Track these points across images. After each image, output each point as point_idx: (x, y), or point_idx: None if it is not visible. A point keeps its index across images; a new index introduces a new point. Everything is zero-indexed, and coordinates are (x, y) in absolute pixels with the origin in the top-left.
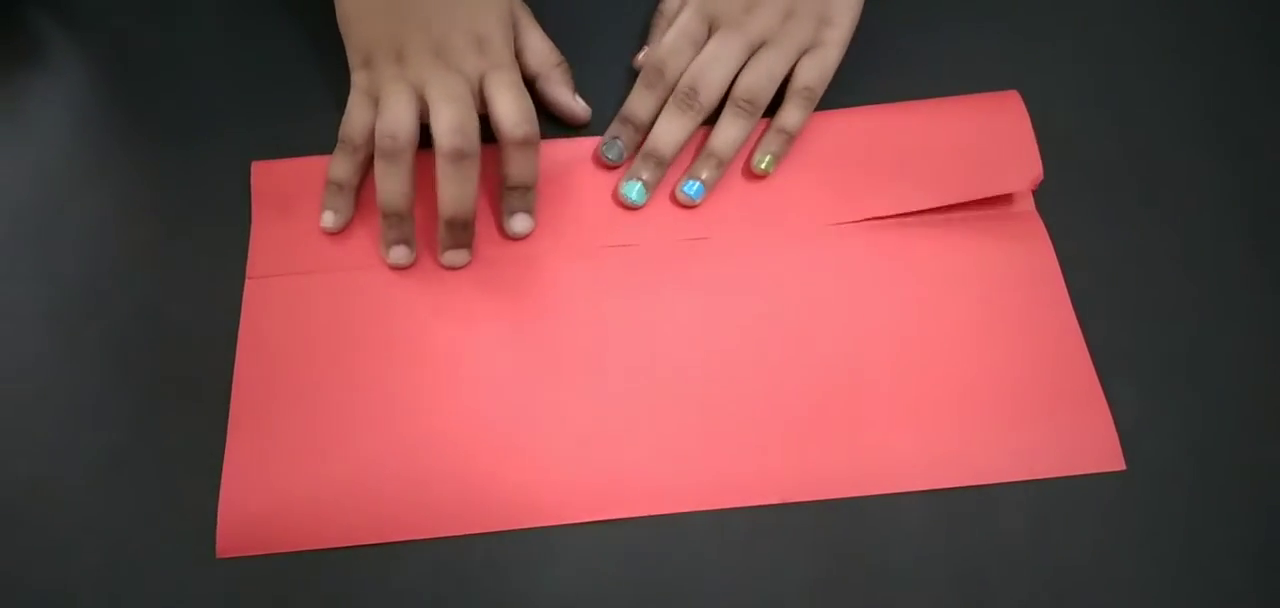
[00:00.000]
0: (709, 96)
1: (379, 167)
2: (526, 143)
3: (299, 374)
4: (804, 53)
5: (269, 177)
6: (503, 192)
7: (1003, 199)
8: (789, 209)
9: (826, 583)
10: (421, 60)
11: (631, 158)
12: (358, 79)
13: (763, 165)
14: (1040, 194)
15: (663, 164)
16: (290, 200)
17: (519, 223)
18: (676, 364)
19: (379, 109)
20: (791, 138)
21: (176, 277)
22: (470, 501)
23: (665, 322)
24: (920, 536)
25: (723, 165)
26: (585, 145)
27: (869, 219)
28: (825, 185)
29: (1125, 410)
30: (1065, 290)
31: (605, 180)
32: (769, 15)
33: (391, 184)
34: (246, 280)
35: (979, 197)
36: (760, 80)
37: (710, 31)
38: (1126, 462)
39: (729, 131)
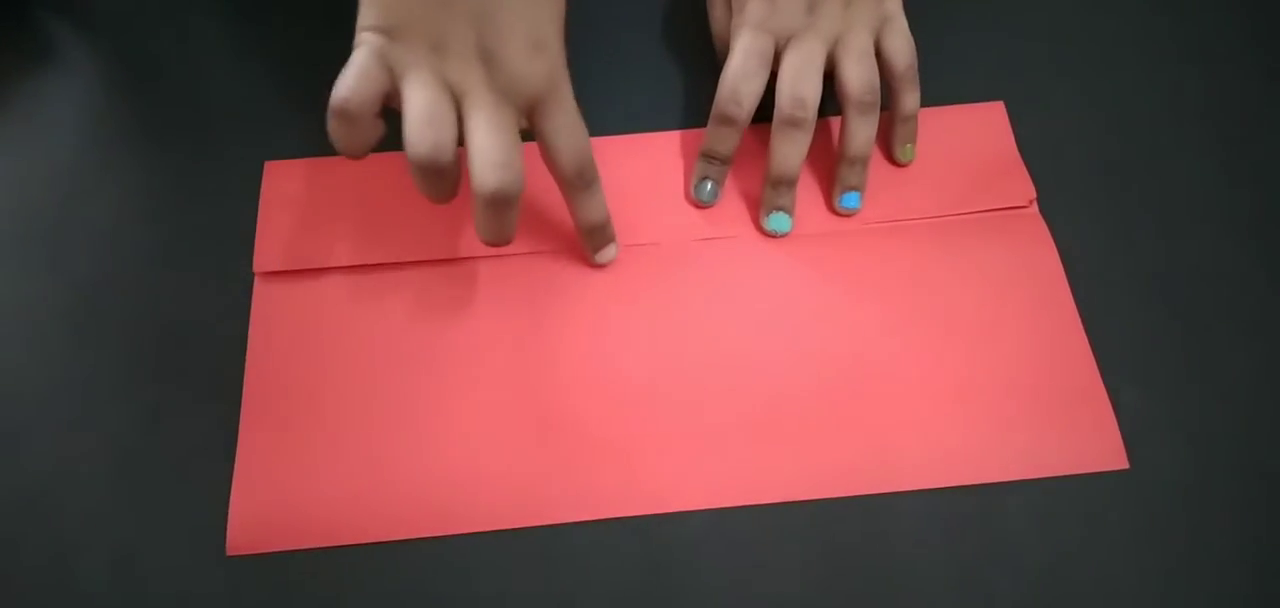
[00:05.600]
0: (814, 105)
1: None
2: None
3: (309, 373)
4: (878, 30)
5: (281, 176)
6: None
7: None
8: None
9: (829, 582)
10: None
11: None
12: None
13: (908, 156)
14: (1042, 193)
15: (794, 186)
16: (302, 200)
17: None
18: (679, 364)
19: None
20: (915, 118)
21: (187, 277)
22: (479, 499)
23: (668, 322)
24: (923, 535)
25: (868, 164)
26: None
27: (871, 223)
28: (824, 192)
29: (1128, 410)
30: (1068, 289)
31: (608, 183)
32: (832, 9)
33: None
34: (255, 279)
35: (976, 210)
36: (866, 72)
37: (776, 48)
38: (1130, 461)
39: (863, 131)
